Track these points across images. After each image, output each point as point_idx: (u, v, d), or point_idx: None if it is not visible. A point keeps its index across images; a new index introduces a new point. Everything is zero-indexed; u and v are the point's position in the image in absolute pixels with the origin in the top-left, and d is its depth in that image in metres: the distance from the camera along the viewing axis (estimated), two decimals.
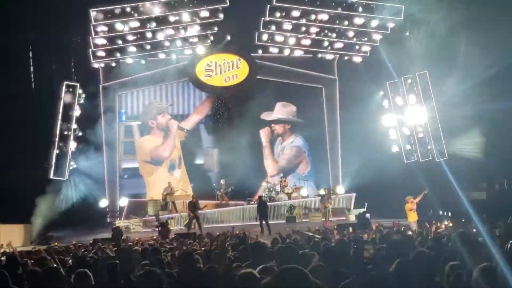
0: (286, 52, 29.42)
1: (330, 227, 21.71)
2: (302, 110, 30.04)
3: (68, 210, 25.65)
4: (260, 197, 25.33)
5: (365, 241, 10.68)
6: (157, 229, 23.14)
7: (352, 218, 25.02)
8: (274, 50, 29.38)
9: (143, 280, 5.29)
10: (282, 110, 30.60)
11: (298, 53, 29.63)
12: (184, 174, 30.09)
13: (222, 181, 28.43)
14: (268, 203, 25.78)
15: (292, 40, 28.61)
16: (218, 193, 28.38)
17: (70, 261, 11.47)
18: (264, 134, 30.56)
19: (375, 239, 11.10)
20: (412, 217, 20.63)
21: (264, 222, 23.06)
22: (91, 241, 19.46)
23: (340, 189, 28.92)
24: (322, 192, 27.04)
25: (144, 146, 30.23)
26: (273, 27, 28.10)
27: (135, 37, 27.25)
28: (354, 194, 27.86)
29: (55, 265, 9.17)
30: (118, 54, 27.86)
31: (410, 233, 15.27)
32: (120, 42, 27.29)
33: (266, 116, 30.40)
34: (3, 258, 12.02)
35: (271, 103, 30.47)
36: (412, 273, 5.47)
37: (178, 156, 30.36)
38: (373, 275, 5.27)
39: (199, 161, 30.81)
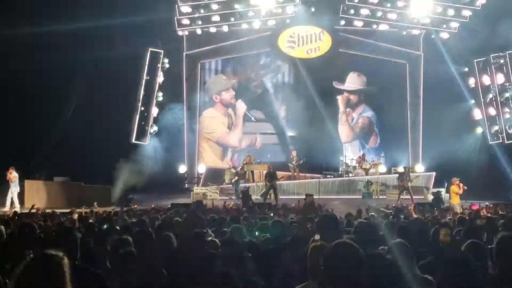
0: (371, 25, 28.84)
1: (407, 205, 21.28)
2: (384, 85, 29.33)
3: (147, 174, 26.20)
4: (269, 166, 25.20)
5: (441, 223, 10.29)
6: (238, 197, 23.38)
7: (430, 197, 24.44)
8: (358, 24, 28.88)
9: (225, 248, 5.39)
10: (355, 80, 30.30)
11: (383, 27, 29.00)
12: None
13: (294, 153, 28.18)
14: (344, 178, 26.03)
15: (377, 14, 28.05)
16: (290, 165, 28.21)
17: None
18: (342, 100, 30.45)
19: (449, 223, 10.65)
20: (456, 200, 20.27)
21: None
22: (169, 206, 19.85)
23: (420, 168, 28.32)
24: (401, 170, 26.46)
25: (206, 123, 30.62)
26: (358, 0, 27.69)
27: (219, 6, 27.41)
28: (433, 173, 27.17)
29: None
30: (201, 23, 28.13)
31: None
32: (205, 11, 27.51)
33: (338, 85, 30.20)
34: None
35: (346, 74, 30.30)
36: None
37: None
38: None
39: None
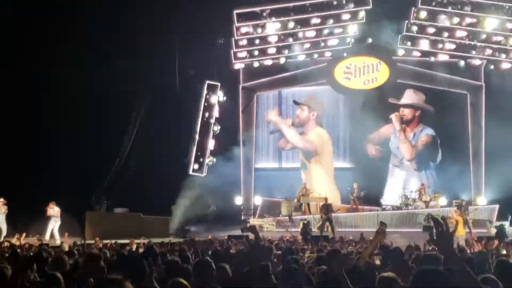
0: (430, 56, 28.37)
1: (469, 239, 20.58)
2: (444, 115, 28.64)
3: (204, 205, 26.31)
4: (326, 198, 24.88)
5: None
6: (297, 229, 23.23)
7: (493, 231, 23.61)
8: (416, 54, 28.56)
9: (286, 275, 5.27)
10: (412, 96, 29.53)
11: (442, 57, 28.48)
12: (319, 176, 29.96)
13: (355, 185, 27.81)
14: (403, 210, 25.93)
15: (436, 44, 27.68)
16: (351, 196, 27.87)
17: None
18: (396, 118, 29.36)
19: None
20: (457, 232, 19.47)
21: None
22: (225, 237, 19.80)
23: (482, 200, 27.40)
24: (458, 202, 25.63)
25: None
26: (416, 29, 27.39)
27: (276, 39, 27.64)
28: (497, 206, 26.28)
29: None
30: (258, 55, 28.44)
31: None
32: (261, 43, 27.82)
33: (394, 100, 29.38)
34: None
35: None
36: None
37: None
38: None
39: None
